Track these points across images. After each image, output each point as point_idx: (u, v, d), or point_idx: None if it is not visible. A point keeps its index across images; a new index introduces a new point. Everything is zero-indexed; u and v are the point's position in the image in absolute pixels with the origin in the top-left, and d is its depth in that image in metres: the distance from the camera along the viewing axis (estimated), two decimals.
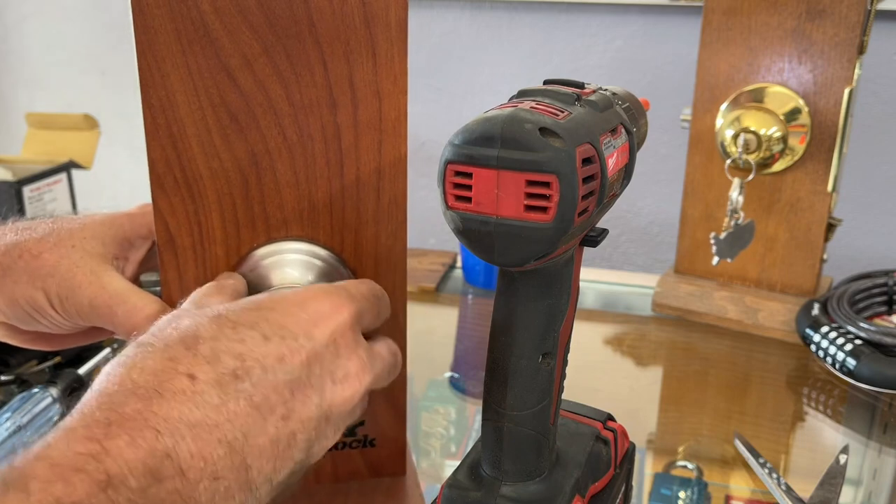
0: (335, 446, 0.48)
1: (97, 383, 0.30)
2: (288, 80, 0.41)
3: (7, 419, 0.60)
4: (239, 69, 0.40)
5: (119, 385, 0.29)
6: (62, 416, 0.64)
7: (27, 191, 0.99)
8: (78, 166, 1.07)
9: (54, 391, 0.64)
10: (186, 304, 0.38)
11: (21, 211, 0.98)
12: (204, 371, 0.30)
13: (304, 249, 0.44)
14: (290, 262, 0.44)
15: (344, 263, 0.45)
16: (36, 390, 0.64)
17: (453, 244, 1.25)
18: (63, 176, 1.05)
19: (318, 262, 0.45)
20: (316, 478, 0.49)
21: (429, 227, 1.29)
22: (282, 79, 0.41)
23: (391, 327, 0.46)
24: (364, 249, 0.45)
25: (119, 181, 1.42)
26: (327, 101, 0.41)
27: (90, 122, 1.11)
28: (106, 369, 0.31)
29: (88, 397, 0.29)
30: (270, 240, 0.44)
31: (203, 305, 0.36)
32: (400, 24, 0.41)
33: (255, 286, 0.44)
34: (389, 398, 0.48)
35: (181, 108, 0.41)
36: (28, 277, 0.41)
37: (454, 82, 1.19)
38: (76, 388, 0.66)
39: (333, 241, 0.44)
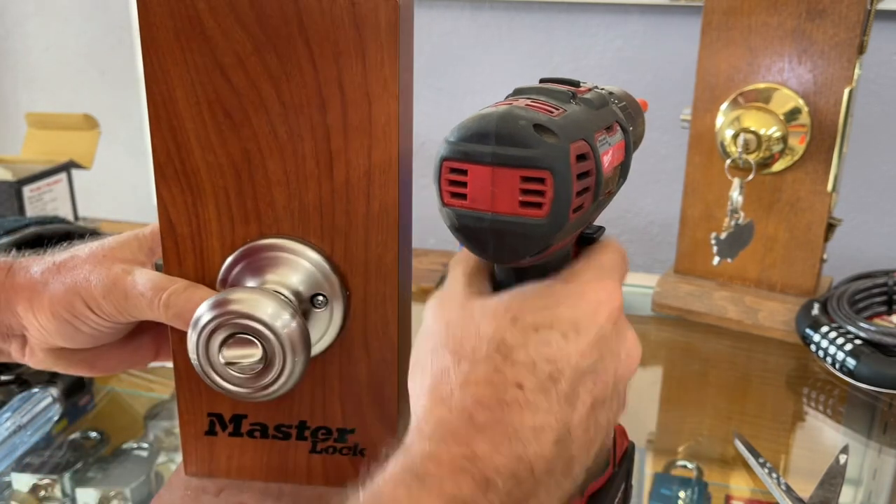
0: (327, 450, 0.49)
1: (431, 391, 0.33)
2: (278, 79, 0.42)
3: (7, 419, 0.60)
4: (232, 67, 0.42)
5: (459, 397, 0.32)
6: (62, 415, 0.65)
7: (27, 191, 0.99)
8: (78, 166, 1.07)
9: (54, 391, 0.64)
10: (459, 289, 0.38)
11: (21, 211, 0.98)
12: (528, 379, 0.32)
13: (295, 249, 0.45)
14: (280, 262, 0.45)
15: (335, 269, 0.45)
16: (36, 390, 0.64)
17: (453, 244, 1.25)
18: (63, 176, 1.05)
19: (308, 265, 0.45)
20: (308, 479, 0.49)
21: (429, 227, 1.29)
22: (272, 78, 0.42)
23: (380, 338, 0.46)
24: (354, 255, 0.45)
25: (119, 181, 1.42)
26: (317, 102, 0.42)
27: (90, 122, 1.11)
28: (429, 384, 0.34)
29: (431, 404, 0.32)
30: (262, 236, 0.45)
31: (475, 291, 0.37)
32: (390, 27, 0.40)
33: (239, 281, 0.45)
34: (380, 409, 0.48)
35: (180, 103, 0.42)
36: (65, 288, 0.44)
37: (454, 82, 1.19)
38: (76, 388, 0.66)
39: (324, 244, 0.45)
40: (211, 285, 0.46)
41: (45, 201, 1.02)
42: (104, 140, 1.13)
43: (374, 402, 0.48)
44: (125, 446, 0.63)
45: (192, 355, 0.42)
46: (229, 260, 0.45)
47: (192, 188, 0.44)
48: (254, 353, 0.41)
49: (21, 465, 0.59)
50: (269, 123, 0.42)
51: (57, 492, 0.58)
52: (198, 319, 0.41)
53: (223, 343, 0.41)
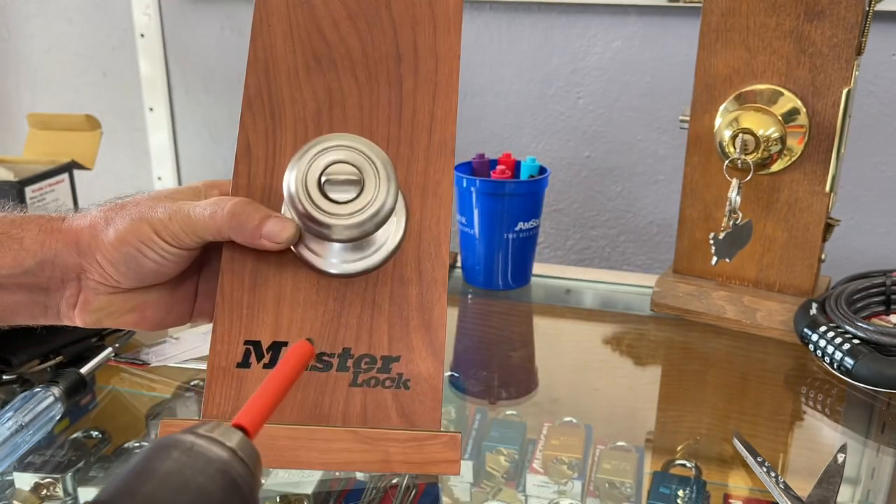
0: (368, 382, 0.48)
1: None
2: (364, 38, 0.51)
3: (9, 418, 0.60)
4: (328, 27, 0.51)
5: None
6: (64, 415, 0.65)
7: (29, 191, 0.99)
8: (80, 167, 1.07)
9: (56, 391, 0.64)
10: None
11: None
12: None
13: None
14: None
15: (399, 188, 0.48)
16: (38, 390, 0.64)
17: (453, 244, 1.25)
18: (65, 176, 1.05)
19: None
20: (343, 419, 0.47)
21: None
22: (360, 37, 0.51)
23: (432, 259, 0.49)
24: (414, 180, 0.50)
25: (121, 181, 1.42)
26: (394, 56, 0.51)
27: (92, 123, 1.11)
28: None
29: None
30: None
31: None
32: (456, 6, 0.51)
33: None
34: (428, 333, 0.48)
35: (278, 49, 0.51)
36: (131, 218, 0.48)
37: None
38: (78, 388, 0.66)
39: None
40: (275, 207, 0.49)
41: (47, 202, 1.02)
42: (106, 141, 1.13)
43: (423, 326, 0.48)
44: (127, 445, 0.63)
45: (290, 178, 0.44)
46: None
47: (274, 116, 0.50)
48: (353, 172, 0.45)
49: (23, 465, 0.60)
50: (351, 69, 0.51)
51: (59, 491, 0.58)
52: (294, 165, 0.45)
53: (321, 176, 0.45)
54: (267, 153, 0.50)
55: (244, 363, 0.47)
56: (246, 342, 0.48)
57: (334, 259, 0.48)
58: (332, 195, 0.44)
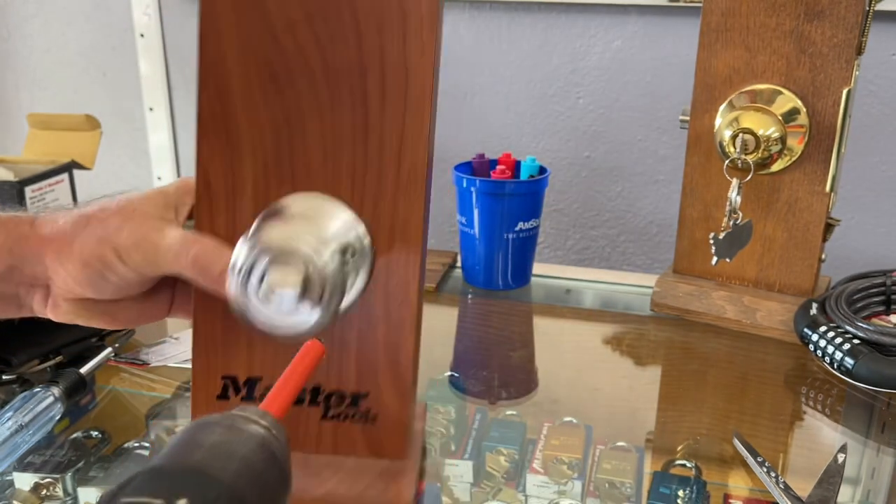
0: (338, 416, 0.49)
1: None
2: (324, 45, 0.44)
3: (9, 418, 0.60)
4: (283, 31, 0.44)
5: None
6: (64, 415, 0.65)
7: (29, 191, 0.99)
8: (80, 167, 1.07)
9: (56, 391, 0.64)
10: None
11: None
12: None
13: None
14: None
15: (364, 227, 0.46)
16: (38, 390, 0.64)
17: (453, 244, 1.25)
18: (65, 176, 1.05)
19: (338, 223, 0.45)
20: (315, 447, 0.49)
21: (429, 227, 1.29)
22: (319, 44, 0.44)
23: (401, 300, 0.47)
24: (382, 217, 0.46)
25: (121, 181, 1.42)
26: (358, 69, 0.45)
27: (92, 123, 1.11)
28: None
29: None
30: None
31: None
32: (431, 4, 0.43)
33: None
34: (395, 373, 0.48)
35: (229, 63, 0.45)
36: (97, 239, 0.46)
37: (454, 83, 1.20)
38: (78, 388, 0.66)
39: (354, 204, 0.46)
40: None
41: (46, 201, 1.02)
42: (105, 141, 1.13)
43: (390, 366, 0.48)
44: (127, 445, 0.63)
45: (232, 284, 0.41)
46: (262, 214, 0.45)
47: (231, 146, 0.46)
48: (295, 280, 0.41)
49: (23, 465, 0.60)
50: (311, 87, 0.45)
51: (59, 491, 0.58)
52: (237, 257, 0.41)
53: (263, 273, 0.41)
54: (227, 188, 0.46)
55: (223, 395, 0.49)
56: (223, 377, 0.49)
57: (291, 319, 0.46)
58: (270, 305, 0.42)
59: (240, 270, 0.41)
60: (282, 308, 0.42)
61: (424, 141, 0.45)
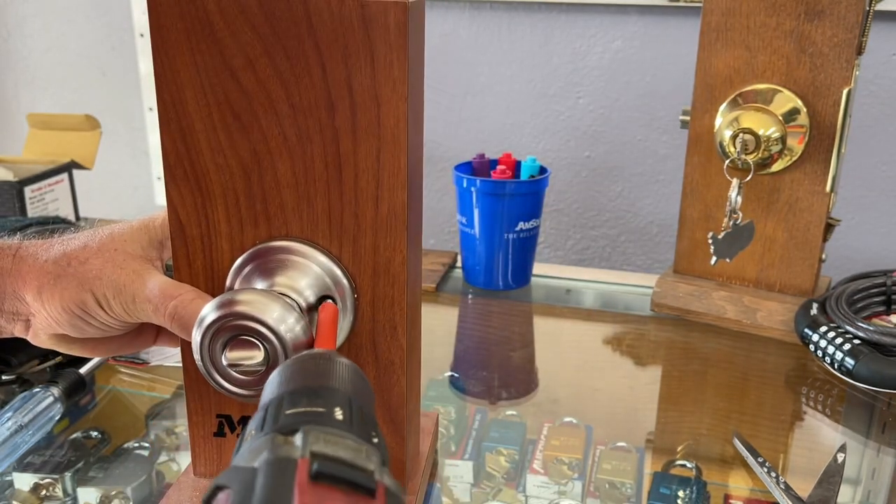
0: None
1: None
2: (287, 80, 0.42)
3: (8, 419, 0.60)
4: (242, 69, 0.42)
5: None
6: (63, 415, 0.65)
7: (28, 191, 0.99)
8: (79, 166, 1.07)
9: (55, 391, 0.64)
10: None
11: (22, 211, 0.99)
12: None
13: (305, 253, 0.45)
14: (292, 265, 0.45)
15: (344, 271, 0.45)
16: (37, 390, 0.64)
17: (453, 244, 1.25)
18: (64, 176, 1.05)
19: (317, 269, 0.45)
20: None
21: (429, 227, 1.29)
22: (282, 79, 0.42)
23: (388, 341, 0.46)
24: (363, 258, 0.45)
25: (120, 181, 1.42)
26: (325, 104, 0.42)
27: (91, 123, 1.11)
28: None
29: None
30: (271, 238, 0.45)
31: None
32: (399, 28, 0.40)
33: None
34: (387, 413, 0.48)
35: (190, 105, 0.43)
36: (77, 283, 0.45)
37: (454, 83, 1.20)
38: (77, 388, 0.66)
39: (332, 246, 0.45)
40: (220, 287, 0.46)
41: (46, 202, 1.02)
42: (105, 140, 1.13)
43: (382, 406, 0.48)
44: (126, 446, 0.63)
45: (196, 355, 0.42)
46: (238, 262, 0.45)
47: (201, 190, 0.44)
48: (256, 356, 0.41)
49: (22, 465, 0.60)
50: (278, 125, 0.42)
51: (58, 491, 0.58)
52: (202, 319, 0.41)
53: (226, 344, 0.41)
54: (201, 232, 0.45)
55: (220, 433, 0.50)
56: (218, 416, 0.49)
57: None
58: (235, 373, 0.42)
59: (203, 336, 0.41)
60: (244, 380, 0.42)
61: (402, 176, 0.43)
